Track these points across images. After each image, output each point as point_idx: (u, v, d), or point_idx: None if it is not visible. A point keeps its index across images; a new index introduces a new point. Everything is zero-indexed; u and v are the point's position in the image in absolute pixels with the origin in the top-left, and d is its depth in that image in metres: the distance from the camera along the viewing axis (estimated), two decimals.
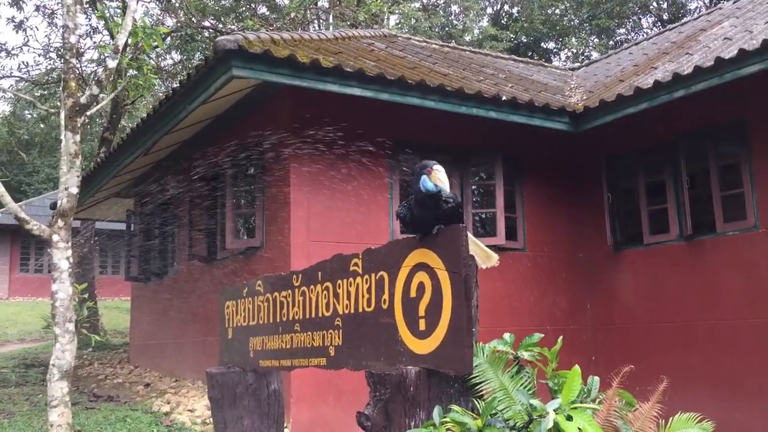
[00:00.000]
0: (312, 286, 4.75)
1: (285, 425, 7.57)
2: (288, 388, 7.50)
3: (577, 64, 16.18)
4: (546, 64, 15.63)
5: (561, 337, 3.93)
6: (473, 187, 9.48)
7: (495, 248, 9.00)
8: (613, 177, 9.42)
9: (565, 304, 9.58)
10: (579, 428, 3.06)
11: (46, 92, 19.96)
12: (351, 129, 8.03)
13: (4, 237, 29.30)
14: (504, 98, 8.33)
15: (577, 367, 3.43)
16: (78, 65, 7.39)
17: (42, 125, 33.58)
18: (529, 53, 27.49)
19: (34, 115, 32.70)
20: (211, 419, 6.39)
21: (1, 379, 11.56)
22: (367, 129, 8.21)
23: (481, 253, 3.83)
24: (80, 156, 7.02)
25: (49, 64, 20.84)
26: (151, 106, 11.75)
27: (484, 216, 9.70)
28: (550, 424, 3.12)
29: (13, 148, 35.02)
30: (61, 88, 7.15)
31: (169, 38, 18.50)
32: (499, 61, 12.73)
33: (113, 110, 16.98)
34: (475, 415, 3.34)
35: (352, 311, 4.30)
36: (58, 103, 21.50)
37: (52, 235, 6.91)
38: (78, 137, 6.98)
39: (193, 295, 10.19)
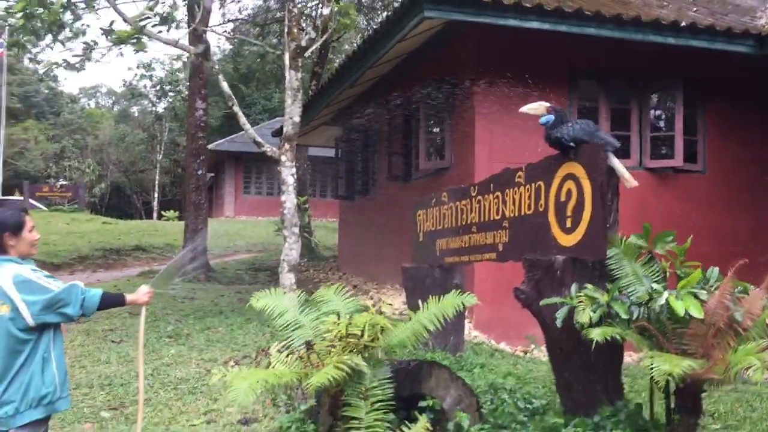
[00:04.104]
0: (485, 195, 5.80)
1: (469, 321, 8.81)
2: (471, 289, 8.65)
3: None
4: None
5: (691, 237, 4.62)
6: (652, 111, 9.81)
7: (672, 170, 9.43)
8: None
9: (747, 227, 9.72)
10: (685, 308, 3.85)
11: (263, 30, 22.21)
12: (531, 60, 8.77)
13: (230, 163, 33.14)
14: (683, 24, 8.56)
15: (698, 263, 4.20)
16: (296, 12, 8.77)
17: (258, 60, 36.98)
18: None
19: (252, 51, 35.94)
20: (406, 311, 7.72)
21: (237, 278, 13.98)
22: (547, 60, 8.90)
23: (623, 175, 4.58)
24: (301, 90, 8.48)
25: (263, 3, 23.05)
26: (354, 42, 13.10)
27: (662, 139, 9.97)
28: (663, 302, 3.96)
29: (235, 82, 39.03)
30: (285, 33, 8.55)
31: None
32: None
33: (322, 47, 18.71)
34: (604, 292, 4.23)
35: (517, 214, 5.30)
36: (273, 40, 23.88)
37: (281, 156, 8.50)
38: (300, 74, 8.41)
39: (391, 211, 11.61)
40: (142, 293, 3.58)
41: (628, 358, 6.51)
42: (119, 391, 5.96)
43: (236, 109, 8.32)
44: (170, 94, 50.34)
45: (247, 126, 8.42)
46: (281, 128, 15.60)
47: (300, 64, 8.53)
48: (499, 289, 8.79)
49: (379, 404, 3.58)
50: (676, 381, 3.90)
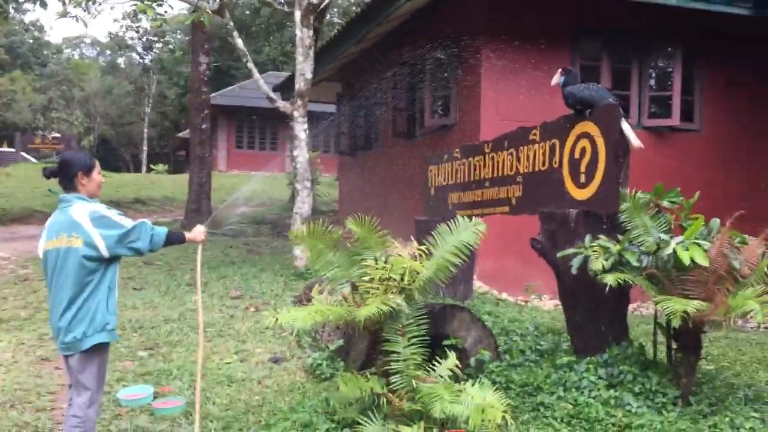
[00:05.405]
0: (499, 152, 6.12)
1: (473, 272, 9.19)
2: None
3: None
4: None
5: (698, 192, 4.98)
6: (652, 71, 10.09)
7: (669, 129, 9.78)
8: None
9: (739, 184, 10.09)
10: (691, 256, 4.22)
11: None
12: (535, 19, 9.02)
13: (222, 117, 33.08)
14: None
15: (701, 215, 4.56)
16: None
17: (247, 12, 36.53)
18: None
19: (243, 4, 35.54)
20: None
21: (241, 231, 14.29)
22: (551, 18, 9.14)
23: (631, 137, 4.91)
24: (313, 47, 8.69)
25: None
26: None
27: (660, 98, 10.27)
28: (670, 251, 4.33)
29: (225, 33, 38.78)
30: None
31: None
32: None
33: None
34: (616, 243, 4.60)
35: (530, 170, 5.64)
36: None
37: (293, 111, 8.76)
38: (311, 32, 8.63)
39: (394, 166, 11.90)
40: (198, 232, 3.87)
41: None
42: (151, 333, 6.31)
43: (251, 65, 8.54)
44: (157, 45, 49.81)
45: (261, 82, 8.66)
46: (283, 82, 15.79)
47: (311, 22, 8.75)
48: (502, 243, 9.19)
49: (414, 340, 3.96)
50: (680, 322, 4.30)
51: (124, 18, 51.13)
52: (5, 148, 33.38)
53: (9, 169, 26.57)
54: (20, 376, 5.21)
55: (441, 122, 10.26)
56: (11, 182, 22.51)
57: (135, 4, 8.02)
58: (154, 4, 7.64)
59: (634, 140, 4.91)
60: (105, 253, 3.43)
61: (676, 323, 4.06)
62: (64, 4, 9.60)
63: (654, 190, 4.85)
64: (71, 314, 3.44)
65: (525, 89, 9.02)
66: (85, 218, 3.42)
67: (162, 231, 3.59)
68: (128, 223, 3.49)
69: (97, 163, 3.64)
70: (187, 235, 3.80)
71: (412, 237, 6.06)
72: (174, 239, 3.69)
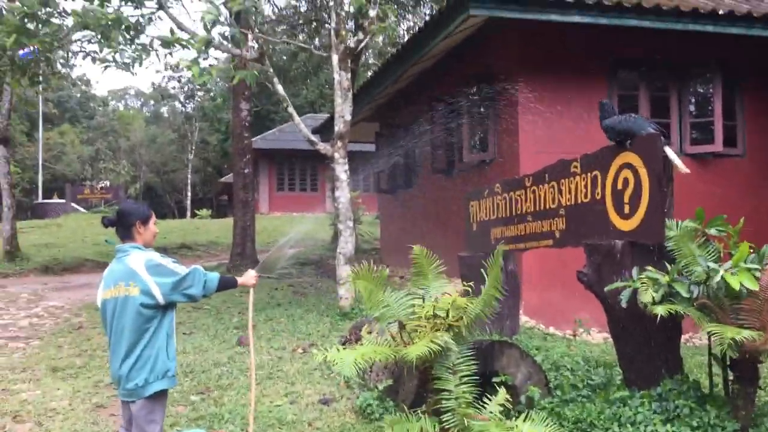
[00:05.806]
0: (540, 185, 6.12)
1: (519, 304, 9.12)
2: (519, 277, 8.97)
3: None
4: None
5: (743, 218, 4.91)
6: (691, 98, 10.01)
7: (712, 155, 9.65)
8: None
9: None
10: (740, 282, 4.15)
11: (296, 31, 22.57)
12: (571, 52, 9.05)
13: (263, 161, 33.65)
14: (720, 12, 8.78)
15: (746, 242, 4.49)
16: (343, 15, 9.13)
17: (284, 58, 37.38)
18: None
19: (280, 50, 36.35)
20: None
21: (286, 273, 14.42)
22: (587, 51, 9.17)
23: (676, 162, 4.88)
24: (351, 90, 8.85)
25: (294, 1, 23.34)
26: (388, 40, 13.33)
27: (702, 124, 10.17)
28: (719, 278, 4.26)
29: (264, 79, 39.63)
30: (332, 35, 8.92)
31: None
32: None
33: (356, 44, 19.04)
34: (665, 274, 4.54)
35: (573, 202, 5.62)
36: (303, 37, 24.22)
37: (334, 153, 8.89)
38: (349, 75, 8.80)
39: (434, 203, 11.95)
40: (250, 277, 3.98)
41: None
42: (202, 378, 6.39)
43: (291, 110, 8.73)
44: (199, 94, 51.15)
45: (302, 126, 8.83)
46: (323, 125, 16.07)
47: (349, 65, 8.93)
48: (546, 276, 9.12)
49: (465, 378, 3.95)
50: (734, 352, 4.21)
51: (166, 69, 52.93)
52: (56, 200, 34.43)
53: (60, 220, 27.39)
54: (77, 423, 5.32)
55: (480, 157, 10.30)
56: (63, 233, 23.15)
57: (180, 58, 8.31)
58: (199, 58, 7.90)
59: (681, 166, 4.88)
60: (161, 300, 3.53)
61: (729, 353, 3.97)
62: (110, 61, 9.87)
63: (695, 215, 4.78)
64: (131, 362, 3.55)
65: (563, 121, 9.03)
66: (141, 267, 3.54)
67: (215, 277, 3.70)
68: (182, 270, 3.59)
69: (153, 214, 3.78)
70: (239, 279, 3.91)
71: (457, 274, 6.07)
72: (227, 284, 3.80)
